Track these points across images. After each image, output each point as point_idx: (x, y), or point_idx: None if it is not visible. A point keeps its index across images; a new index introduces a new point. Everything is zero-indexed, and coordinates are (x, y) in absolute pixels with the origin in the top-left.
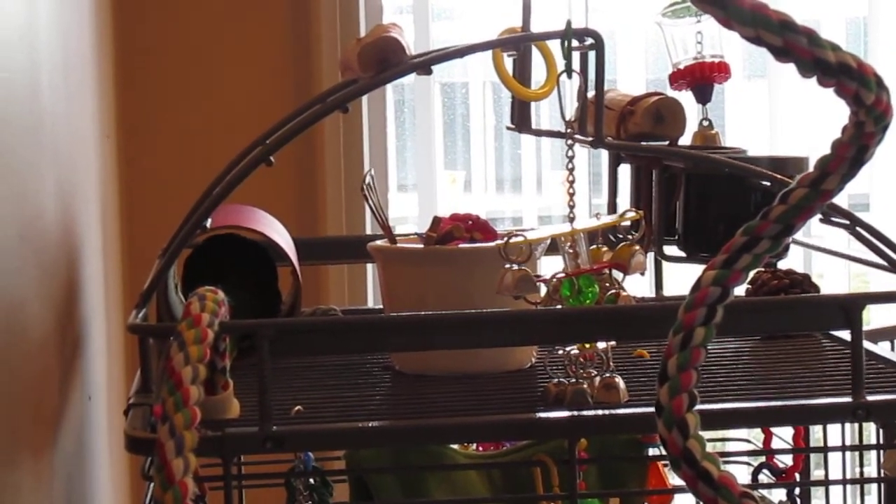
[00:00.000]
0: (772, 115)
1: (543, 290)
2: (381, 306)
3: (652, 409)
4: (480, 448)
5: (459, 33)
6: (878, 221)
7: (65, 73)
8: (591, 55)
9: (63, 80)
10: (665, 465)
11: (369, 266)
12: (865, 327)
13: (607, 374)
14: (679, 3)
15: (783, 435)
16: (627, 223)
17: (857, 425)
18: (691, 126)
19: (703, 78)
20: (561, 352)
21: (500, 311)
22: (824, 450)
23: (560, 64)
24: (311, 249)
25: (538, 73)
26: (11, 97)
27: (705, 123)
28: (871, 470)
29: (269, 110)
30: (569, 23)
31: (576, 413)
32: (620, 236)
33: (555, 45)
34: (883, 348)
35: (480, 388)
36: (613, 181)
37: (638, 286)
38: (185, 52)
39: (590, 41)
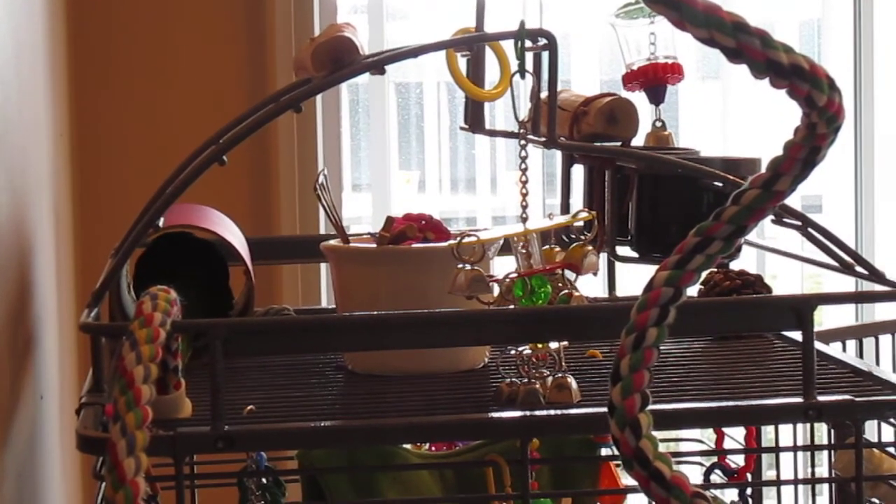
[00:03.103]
0: (725, 116)
1: (496, 290)
2: (335, 306)
3: (604, 410)
4: (433, 448)
5: (413, 33)
6: (830, 223)
7: (17, 69)
8: (545, 56)
9: (15, 77)
10: (617, 465)
11: (323, 266)
12: (817, 328)
13: (559, 375)
14: (632, 4)
15: (735, 435)
16: (580, 223)
17: (808, 426)
18: (644, 127)
19: (656, 79)
20: (513, 352)
21: (453, 310)
22: (776, 450)
23: (514, 64)
24: (265, 249)
25: (492, 73)
26: None
27: (658, 124)
28: (822, 470)
29: (222, 109)
30: (522, 23)
31: (528, 413)
32: (573, 236)
33: (508, 46)
34: (834, 349)
35: (433, 388)
36: (567, 182)
37: (590, 286)
38: (139, 50)
39: (543, 42)
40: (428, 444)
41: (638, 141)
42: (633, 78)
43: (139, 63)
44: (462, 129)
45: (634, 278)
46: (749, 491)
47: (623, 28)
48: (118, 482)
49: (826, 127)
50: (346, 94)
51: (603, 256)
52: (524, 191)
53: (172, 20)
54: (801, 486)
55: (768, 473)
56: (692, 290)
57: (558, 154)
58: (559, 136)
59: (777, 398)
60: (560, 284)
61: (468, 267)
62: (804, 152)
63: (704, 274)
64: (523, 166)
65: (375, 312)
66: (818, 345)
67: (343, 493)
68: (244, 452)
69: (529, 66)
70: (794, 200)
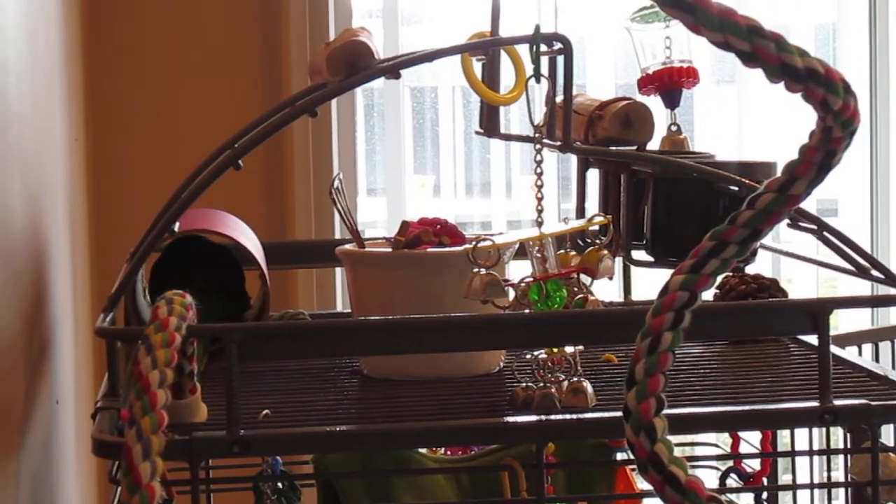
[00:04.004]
0: (740, 120)
1: (511, 294)
2: (350, 310)
3: (619, 414)
4: (448, 452)
5: (428, 38)
6: (845, 227)
7: (33, 75)
8: (560, 60)
9: (31, 83)
10: (633, 470)
11: (338, 270)
12: (833, 332)
13: (575, 379)
14: (648, 8)
15: (751, 439)
16: (596, 228)
17: (824, 430)
18: (659, 131)
19: (671, 83)
20: (529, 356)
21: (468, 315)
22: (792, 454)
23: (529, 68)
24: (280, 253)
25: (507, 77)
26: None
27: (673, 128)
28: (838, 474)
29: (238, 114)
30: (537, 27)
31: (544, 417)
32: (589, 241)
33: (523, 50)
34: (850, 353)
35: (448, 392)
36: (582, 186)
37: (606, 291)
38: (154, 55)
39: (558, 46)
40: (443, 449)
41: (653, 145)
42: (648, 82)
43: (154, 68)
44: (477, 133)
45: (650, 282)
46: (765, 495)
47: (638, 32)
48: (134, 486)
49: (841, 131)
50: (361, 98)
51: (618, 260)
52: (539, 195)
53: (187, 25)
54: (816, 491)
55: (784, 478)
56: (708, 295)
57: (573, 158)
58: (574, 141)
59: (793, 402)
60: (575, 289)
61: (483, 271)
62: (819, 156)
63: (720, 278)
64: (538, 170)
65: (391, 317)
66: (834, 349)
67: (358, 498)
68: (259, 457)
69: (544, 70)
70: (809, 204)
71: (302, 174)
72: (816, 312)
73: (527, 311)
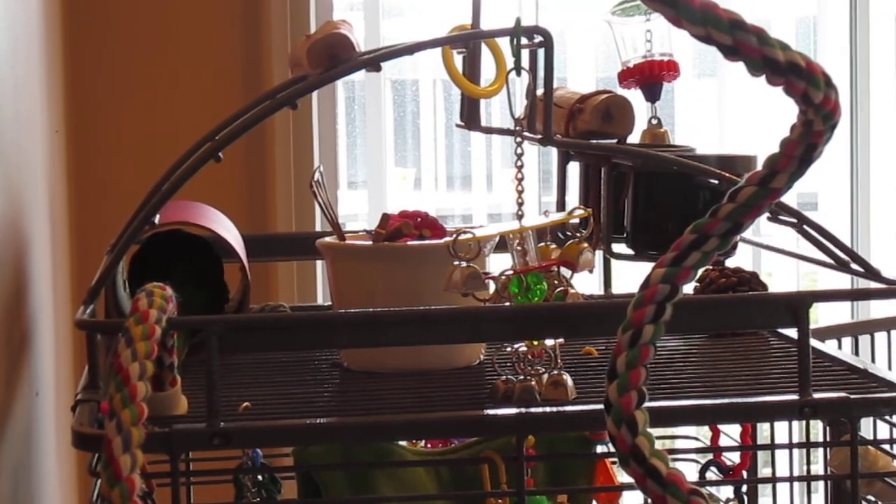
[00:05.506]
0: (721, 113)
1: (492, 287)
2: (331, 303)
3: (600, 407)
4: (429, 445)
5: (410, 30)
6: (826, 220)
7: (13, 66)
8: (541, 53)
9: (11, 73)
10: (613, 463)
11: (318, 263)
12: (813, 326)
13: (555, 372)
14: (629, 1)
15: (731, 432)
16: (576, 221)
17: (804, 423)
18: (640, 124)
19: (652, 76)
20: (509, 349)
21: (449, 307)
22: (772, 447)
23: (509, 61)
24: (261, 246)
25: (488, 70)
26: None
27: (654, 122)
28: (818, 467)
29: (218, 106)
30: (518, 20)
31: (524, 410)
32: (569, 234)
33: (504, 43)
34: (830, 346)
35: (429, 384)
36: (562, 179)
37: (586, 284)
38: (135, 46)
39: (539, 39)
40: (424, 441)
41: (634, 138)
42: (629, 75)
43: (135, 59)
44: (458, 126)
45: (630, 276)
46: (744, 488)
47: (619, 25)
48: (114, 479)
49: (822, 124)
50: (342, 91)
51: (599, 254)
52: (520, 188)
53: (168, 17)
54: (796, 484)
55: (764, 471)
56: (688, 288)
57: (554, 151)
58: (555, 134)
59: (772, 395)
60: (556, 282)
61: (464, 264)
62: (800, 149)
63: (700, 271)
64: (519, 163)
65: (371, 309)
66: (814, 342)
67: (339, 490)
68: (240, 449)
69: (525, 63)
70: (789, 198)
71: (282, 167)
72: (796, 306)
73: (507, 303)
